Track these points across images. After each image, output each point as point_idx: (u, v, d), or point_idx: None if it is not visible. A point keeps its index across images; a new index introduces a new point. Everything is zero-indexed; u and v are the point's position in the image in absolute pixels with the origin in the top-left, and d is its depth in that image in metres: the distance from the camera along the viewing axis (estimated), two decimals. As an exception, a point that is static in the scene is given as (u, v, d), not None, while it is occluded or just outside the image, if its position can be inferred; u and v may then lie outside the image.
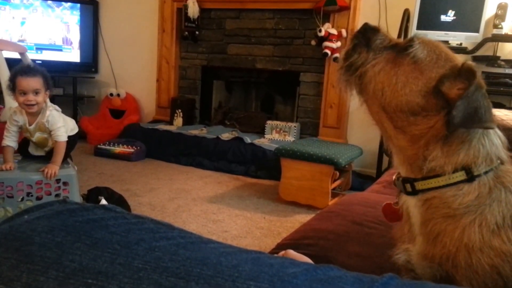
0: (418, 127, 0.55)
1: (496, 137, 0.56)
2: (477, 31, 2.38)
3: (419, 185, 0.56)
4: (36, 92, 1.59)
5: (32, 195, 1.60)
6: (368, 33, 0.62)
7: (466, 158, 0.53)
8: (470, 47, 2.41)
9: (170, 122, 3.46)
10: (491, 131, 0.56)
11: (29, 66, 1.68)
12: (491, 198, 0.52)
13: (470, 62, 0.59)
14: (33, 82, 1.58)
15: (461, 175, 0.53)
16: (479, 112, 0.52)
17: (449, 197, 0.53)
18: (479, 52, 2.42)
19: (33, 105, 1.60)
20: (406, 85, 0.56)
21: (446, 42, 2.45)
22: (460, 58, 0.59)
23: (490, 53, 2.49)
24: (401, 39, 0.63)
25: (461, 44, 2.45)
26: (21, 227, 0.31)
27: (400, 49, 0.58)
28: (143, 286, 0.28)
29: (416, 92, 0.55)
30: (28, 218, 0.32)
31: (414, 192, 0.57)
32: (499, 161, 0.55)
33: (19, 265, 0.28)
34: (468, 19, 2.39)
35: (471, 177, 0.53)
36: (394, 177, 0.62)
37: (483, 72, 2.34)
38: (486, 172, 0.53)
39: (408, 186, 0.58)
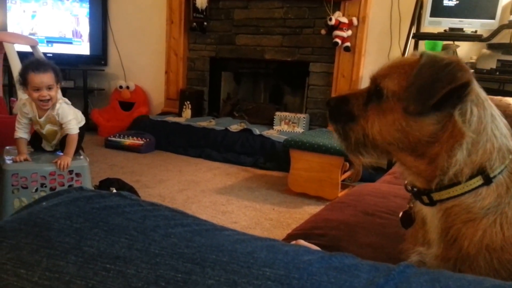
0: (439, 142, 0.54)
1: (503, 126, 0.55)
2: (493, 17, 2.31)
3: (437, 196, 0.55)
4: (50, 88, 1.62)
5: (45, 186, 1.63)
6: (342, 106, 0.61)
7: (483, 156, 0.52)
8: (485, 35, 2.35)
9: (179, 114, 3.47)
10: (497, 118, 0.54)
11: (39, 61, 1.69)
12: (510, 195, 0.52)
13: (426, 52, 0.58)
14: (46, 78, 1.60)
15: (478, 180, 0.53)
16: (431, 86, 0.51)
17: (469, 203, 0.53)
18: (495, 40, 2.35)
19: (47, 100, 1.62)
20: (409, 120, 0.55)
21: (461, 29, 2.39)
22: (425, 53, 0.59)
23: (506, 40, 2.42)
24: (365, 86, 0.62)
25: (476, 31, 2.38)
26: (40, 214, 0.32)
27: (377, 96, 0.58)
28: (160, 271, 0.28)
29: (421, 118, 0.54)
30: (46, 205, 0.33)
31: (432, 203, 0.56)
32: (511, 156, 0.53)
33: (39, 250, 0.29)
34: (484, 6, 2.32)
35: (487, 180, 0.52)
36: (406, 183, 0.61)
37: (498, 60, 2.28)
38: (501, 172, 0.52)
39: (425, 198, 0.57)
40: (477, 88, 0.55)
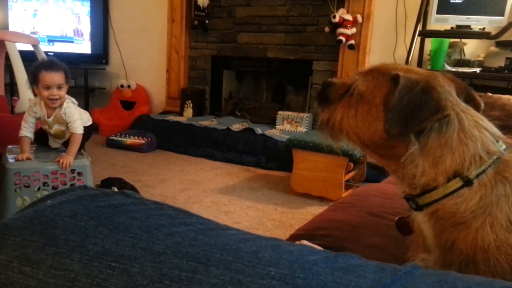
0: (398, 148, 0.56)
1: (481, 130, 0.54)
2: (502, 14, 2.25)
3: (420, 201, 0.56)
4: (59, 87, 1.65)
5: (48, 185, 1.64)
6: (326, 89, 0.66)
7: (454, 163, 0.53)
8: (494, 32, 2.29)
9: (180, 113, 3.47)
10: (471, 124, 0.54)
11: (51, 61, 1.73)
12: (497, 196, 0.51)
13: (401, 67, 0.60)
14: (57, 77, 1.64)
15: (456, 182, 0.53)
16: (413, 114, 0.52)
17: (452, 206, 0.53)
18: (504, 37, 2.29)
19: (56, 99, 1.66)
20: (365, 120, 0.59)
21: (468, 27, 2.34)
22: (400, 66, 0.61)
23: (515, 38, 2.39)
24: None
25: (484, 28, 2.33)
26: (45, 212, 0.32)
27: (350, 90, 0.61)
28: (164, 270, 0.28)
29: (375, 122, 0.57)
30: (51, 203, 0.33)
31: (418, 208, 0.57)
32: (495, 156, 0.53)
33: (45, 248, 0.29)
34: (492, 2, 2.27)
35: (468, 182, 0.52)
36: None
37: (507, 58, 2.24)
38: (483, 172, 0.52)
39: (411, 203, 0.58)
40: (454, 103, 0.55)
